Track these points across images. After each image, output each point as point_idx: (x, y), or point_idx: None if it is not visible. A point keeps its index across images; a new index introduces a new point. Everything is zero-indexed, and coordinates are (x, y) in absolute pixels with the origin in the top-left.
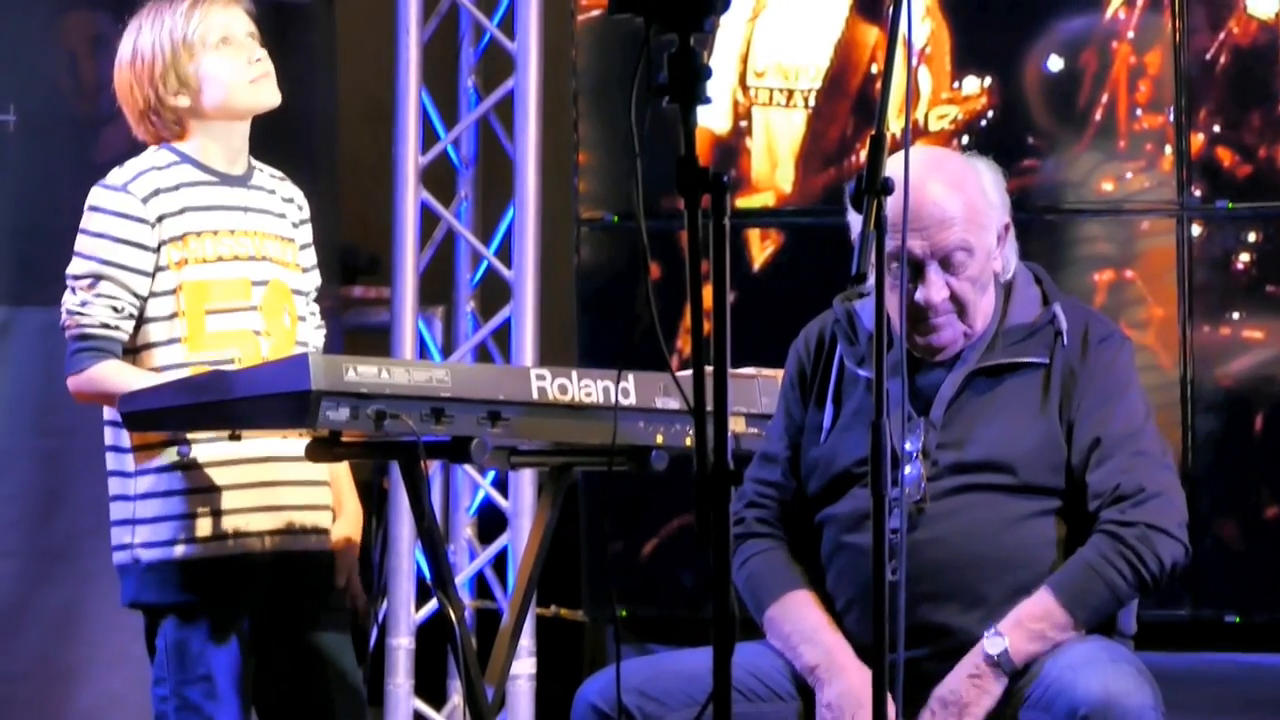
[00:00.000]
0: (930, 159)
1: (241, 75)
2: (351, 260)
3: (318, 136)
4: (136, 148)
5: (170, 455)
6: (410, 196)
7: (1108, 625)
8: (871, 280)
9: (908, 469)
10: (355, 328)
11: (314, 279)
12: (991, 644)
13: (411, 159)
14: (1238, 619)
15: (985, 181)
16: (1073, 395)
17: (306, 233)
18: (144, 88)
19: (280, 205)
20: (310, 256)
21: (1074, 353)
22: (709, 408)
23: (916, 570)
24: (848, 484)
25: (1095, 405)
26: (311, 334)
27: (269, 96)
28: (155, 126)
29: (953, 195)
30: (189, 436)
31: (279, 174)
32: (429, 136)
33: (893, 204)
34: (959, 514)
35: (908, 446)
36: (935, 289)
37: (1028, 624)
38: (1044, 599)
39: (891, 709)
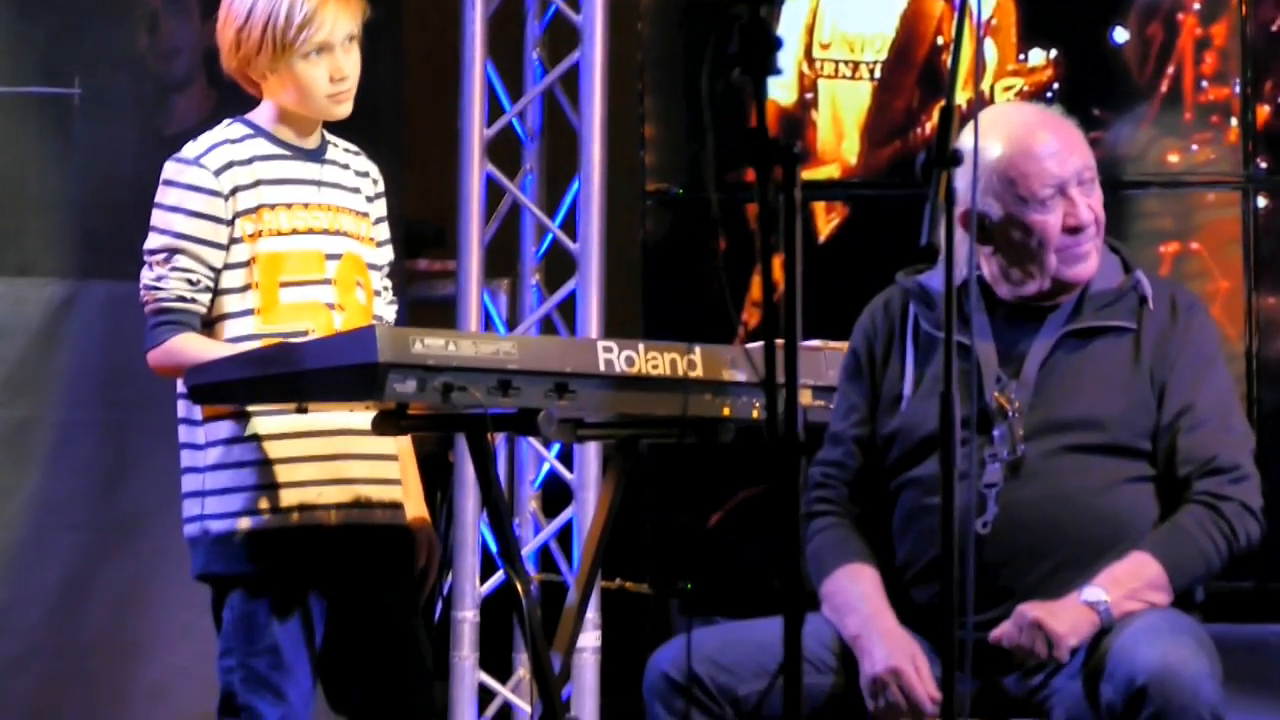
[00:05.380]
0: (1029, 108)
1: (321, 89)
2: (417, 233)
3: (384, 110)
4: (206, 121)
5: (239, 428)
6: (475, 170)
7: (1182, 597)
8: (941, 253)
9: (998, 428)
10: (420, 300)
11: (387, 254)
12: (1091, 593)
13: (477, 132)
14: None
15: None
16: (1165, 359)
17: (380, 207)
18: (237, 58)
19: (354, 180)
20: (384, 231)
21: (1163, 318)
22: (779, 380)
23: (1005, 529)
24: (932, 448)
25: (1187, 371)
26: (385, 309)
27: (340, 111)
28: (237, 80)
29: (1065, 124)
30: (255, 410)
31: (354, 148)
32: (494, 109)
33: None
34: (1050, 474)
35: (1000, 404)
36: (1083, 208)
37: (1126, 582)
38: (1143, 559)
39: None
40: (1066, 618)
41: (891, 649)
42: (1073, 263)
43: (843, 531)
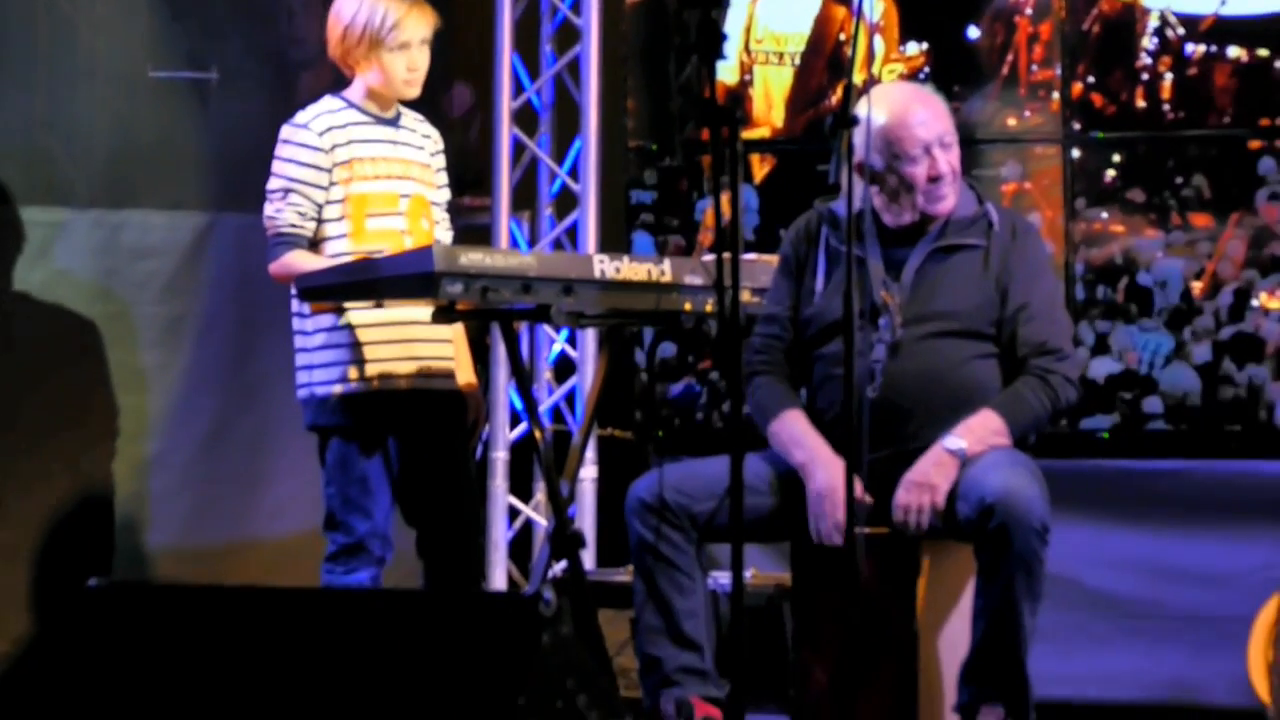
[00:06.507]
0: (908, 86)
1: (399, 77)
2: (462, 178)
3: (438, 88)
4: (324, 93)
5: (336, 319)
6: (505, 131)
7: (1018, 440)
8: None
9: (883, 318)
10: (465, 227)
11: (445, 195)
12: (951, 442)
13: (506, 104)
14: (1105, 434)
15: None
16: (1006, 268)
17: (440, 160)
18: (340, 48)
19: (420, 140)
20: (443, 178)
21: (1005, 238)
22: (726, 283)
23: (889, 392)
24: (835, 332)
25: (1023, 277)
26: (443, 235)
27: (411, 93)
28: (338, 64)
29: (933, 99)
30: (347, 305)
31: (420, 116)
32: (518, 88)
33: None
34: (921, 353)
35: (885, 301)
36: (943, 163)
37: (978, 431)
38: (990, 415)
39: (859, 489)
40: (938, 472)
41: (832, 472)
42: (934, 202)
43: (779, 385)
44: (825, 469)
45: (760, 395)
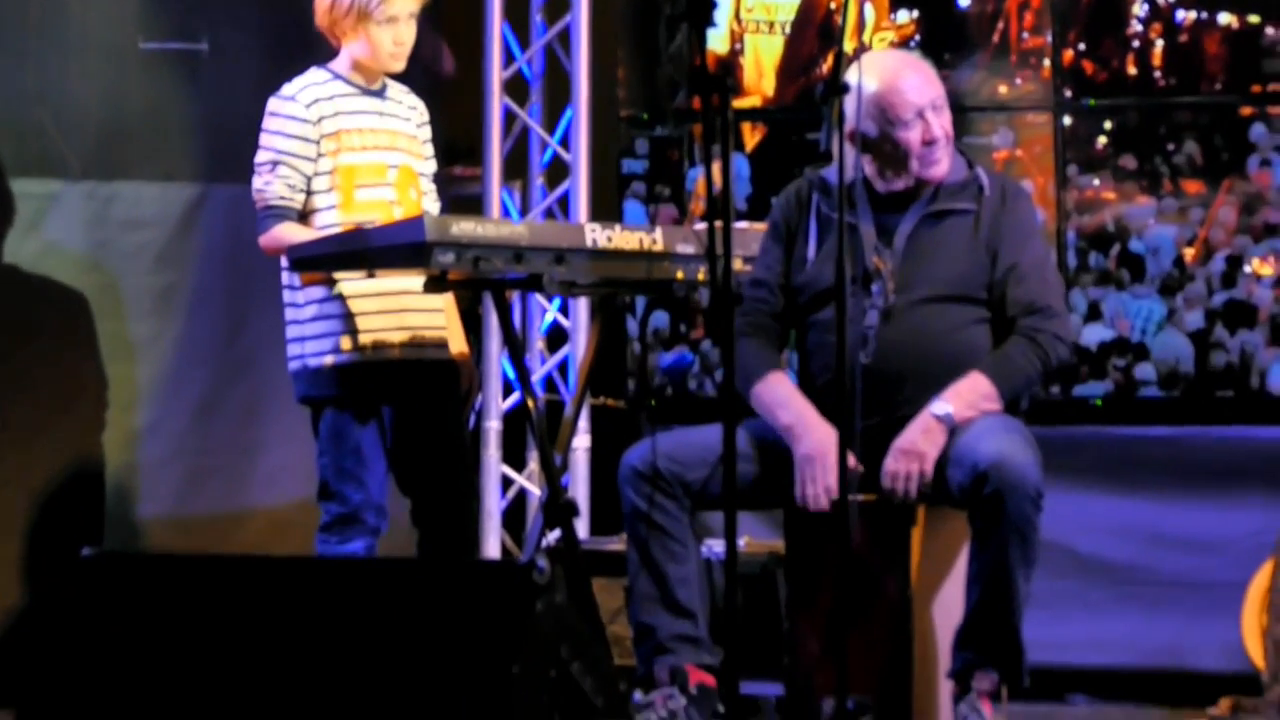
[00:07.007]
0: (898, 53)
1: (385, 50)
2: (454, 148)
3: (429, 58)
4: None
5: (328, 290)
6: (496, 101)
7: (1010, 405)
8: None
9: (875, 285)
10: (456, 197)
11: (433, 166)
12: (938, 407)
13: (497, 74)
14: (1098, 401)
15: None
16: (997, 232)
17: (427, 132)
18: (327, 19)
19: (407, 112)
20: (430, 149)
21: (996, 203)
22: (718, 251)
23: (881, 359)
24: (827, 299)
25: (1013, 240)
26: (431, 205)
27: (396, 66)
28: (325, 34)
29: (923, 65)
30: (339, 276)
31: (405, 88)
32: (509, 57)
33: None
34: (913, 318)
35: (877, 267)
36: (935, 127)
37: (965, 395)
38: (978, 378)
39: (852, 459)
40: (926, 439)
41: (819, 437)
42: (928, 167)
43: (763, 348)
44: (813, 432)
45: (743, 357)
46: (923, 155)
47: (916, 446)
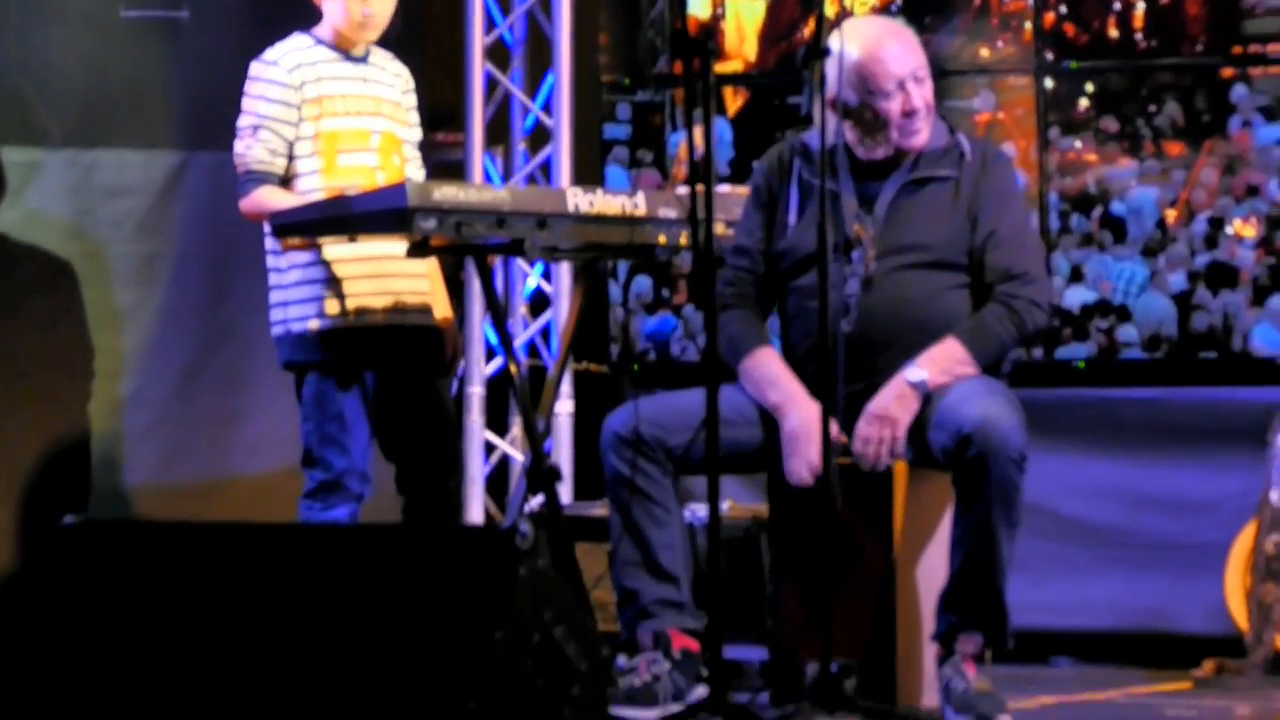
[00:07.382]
0: (880, 20)
1: (355, 20)
2: (436, 114)
3: (410, 24)
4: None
5: (311, 255)
6: (478, 67)
7: (992, 368)
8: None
9: (856, 252)
10: (439, 163)
11: (417, 133)
12: (913, 374)
13: (478, 40)
14: (1081, 364)
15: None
16: (977, 198)
17: (412, 99)
18: None
19: (390, 79)
20: (414, 116)
21: (976, 168)
22: (700, 215)
23: (863, 326)
24: (810, 264)
25: (993, 205)
26: (415, 172)
27: (368, 36)
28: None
29: (905, 33)
30: (322, 241)
31: (389, 54)
32: (490, 23)
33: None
34: (894, 285)
35: (858, 235)
36: (916, 97)
37: (940, 361)
38: (953, 344)
39: (835, 428)
40: (899, 405)
41: (806, 414)
42: (908, 136)
43: (751, 322)
44: (800, 410)
45: (731, 330)
46: (903, 125)
47: (889, 412)
